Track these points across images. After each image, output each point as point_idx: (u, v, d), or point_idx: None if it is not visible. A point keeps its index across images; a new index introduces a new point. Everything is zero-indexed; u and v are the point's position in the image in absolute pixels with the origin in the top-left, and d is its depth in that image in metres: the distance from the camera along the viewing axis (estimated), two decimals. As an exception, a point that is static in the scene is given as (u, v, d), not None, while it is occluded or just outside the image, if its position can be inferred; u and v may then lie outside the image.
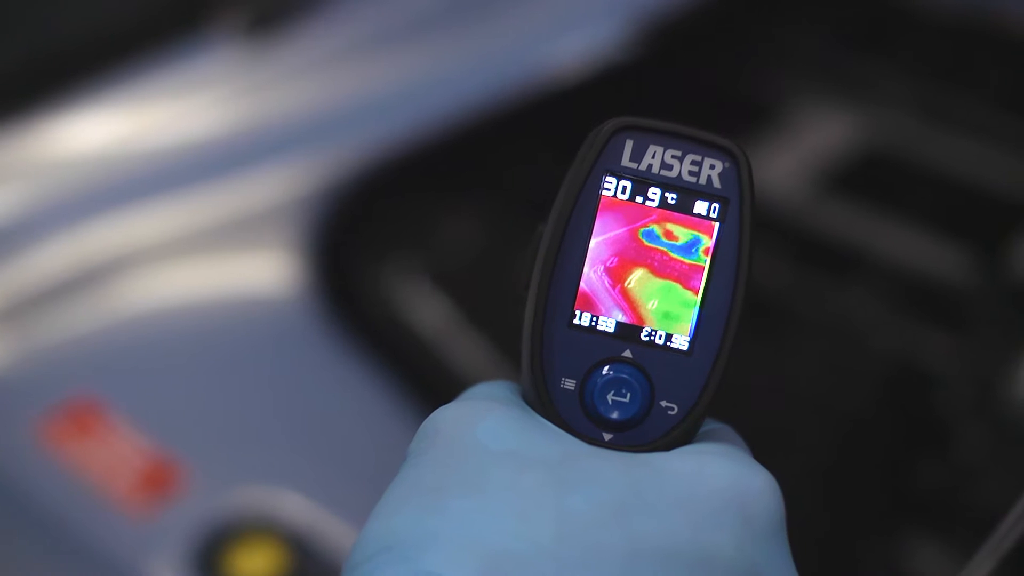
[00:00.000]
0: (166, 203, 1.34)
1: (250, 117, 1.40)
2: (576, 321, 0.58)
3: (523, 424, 0.55)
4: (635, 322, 0.58)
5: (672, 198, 0.58)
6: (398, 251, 1.35)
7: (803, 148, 1.46)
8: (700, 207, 0.58)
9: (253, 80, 1.44)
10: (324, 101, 1.40)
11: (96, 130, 1.43)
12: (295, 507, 1.14)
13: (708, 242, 0.58)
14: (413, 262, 1.34)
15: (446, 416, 0.56)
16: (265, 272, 1.30)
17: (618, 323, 0.58)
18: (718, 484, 0.53)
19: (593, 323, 0.58)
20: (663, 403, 0.58)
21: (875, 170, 1.45)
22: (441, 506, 0.52)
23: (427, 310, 1.31)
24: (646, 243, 0.58)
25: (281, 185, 1.34)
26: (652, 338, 0.58)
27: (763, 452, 0.60)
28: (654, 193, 0.58)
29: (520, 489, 0.52)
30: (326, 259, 1.31)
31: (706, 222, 0.58)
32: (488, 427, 0.55)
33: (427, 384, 1.24)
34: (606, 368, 0.58)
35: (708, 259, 0.58)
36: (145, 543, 1.14)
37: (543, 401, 0.58)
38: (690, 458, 0.54)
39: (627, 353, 0.58)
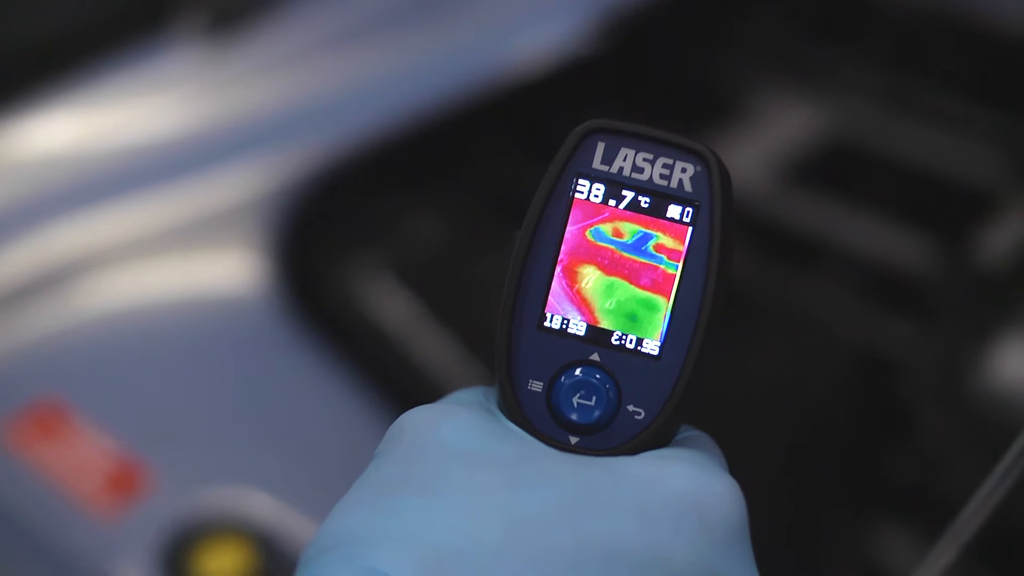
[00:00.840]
0: (128, 203, 1.34)
1: (212, 116, 1.40)
2: (546, 324, 0.58)
3: (486, 426, 0.56)
4: (594, 325, 0.58)
5: (645, 202, 0.58)
6: (362, 248, 1.35)
7: (766, 139, 1.46)
8: (673, 211, 0.57)
9: (215, 79, 1.44)
10: (286, 99, 1.40)
11: (58, 130, 1.42)
12: (261, 506, 1.14)
13: (679, 247, 0.57)
14: (377, 258, 1.34)
15: (412, 418, 0.56)
16: (229, 271, 1.30)
17: (588, 326, 0.58)
18: (676, 489, 0.53)
19: (564, 326, 0.58)
20: (630, 407, 0.57)
21: (838, 160, 1.45)
22: (392, 504, 0.52)
23: (392, 306, 1.31)
24: (614, 248, 0.58)
25: (244, 183, 1.33)
26: (622, 342, 0.57)
27: (728, 443, 0.60)
28: (627, 196, 0.58)
29: (472, 488, 0.52)
30: (290, 257, 1.31)
31: (679, 226, 0.57)
32: (451, 429, 0.55)
33: (392, 381, 1.24)
34: (573, 371, 0.57)
35: (680, 264, 0.57)
36: (111, 544, 1.14)
37: (509, 403, 0.58)
38: (650, 462, 0.54)
39: (595, 356, 0.57)
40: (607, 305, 0.58)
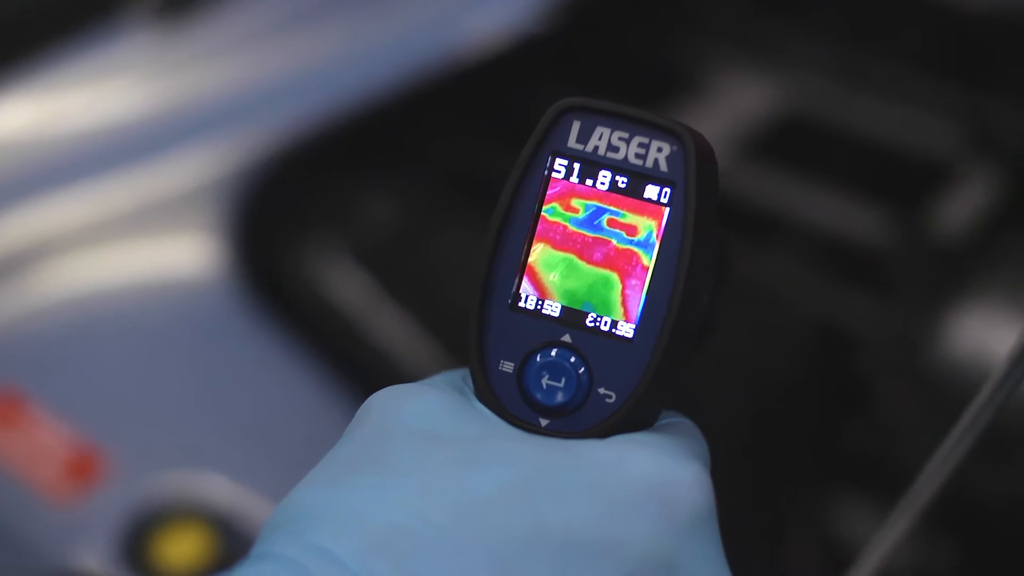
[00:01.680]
0: (82, 189, 1.33)
1: (166, 100, 1.39)
2: (521, 304, 0.57)
3: (452, 407, 0.55)
4: (568, 306, 0.57)
5: (623, 181, 0.57)
6: (319, 230, 1.34)
7: (721, 115, 1.46)
8: (651, 191, 0.56)
9: (168, 63, 1.43)
10: (240, 81, 1.39)
11: (10, 117, 1.42)
12: (221, 490, 1.13)
13: (655, 228, 0.56)
14: (334, 240, 1.34)
15: (379, 398, 0.56)
16: (185, 255, 1.29)
17: (563, 307, 0.57)
18: (638, 474, 0.52)
19: (538, 306, 0.57)
20: (601, 390, 0.56)
21: (794, 134, 1.45)
22: (345, 482, 0.52)
23: (349, 288, 1.31)
24: (585, 230, 0.57)
25: (199, 167, 1.33)
26: (597, 324, 0.56)
27: (687, 417, 0.60)
28: (604, 176, 0.57)
29: (425, 468, 0.52)
30: (246, 240, 1.30)
31: (656, 207, 0.56)
32: (415, 408, 0.55)
33: (351, 362, 1.24)
34: (544, 352, 0.57)
35: (656, 246, 0.56)
36: (70, 531, 1.13)
37: (479, 384, 0.57)
38: (614, 446, 0.54)
39: (566, 337, 0.57)
40: (571, 285, 0.57)
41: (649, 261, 0.56)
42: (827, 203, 1.37)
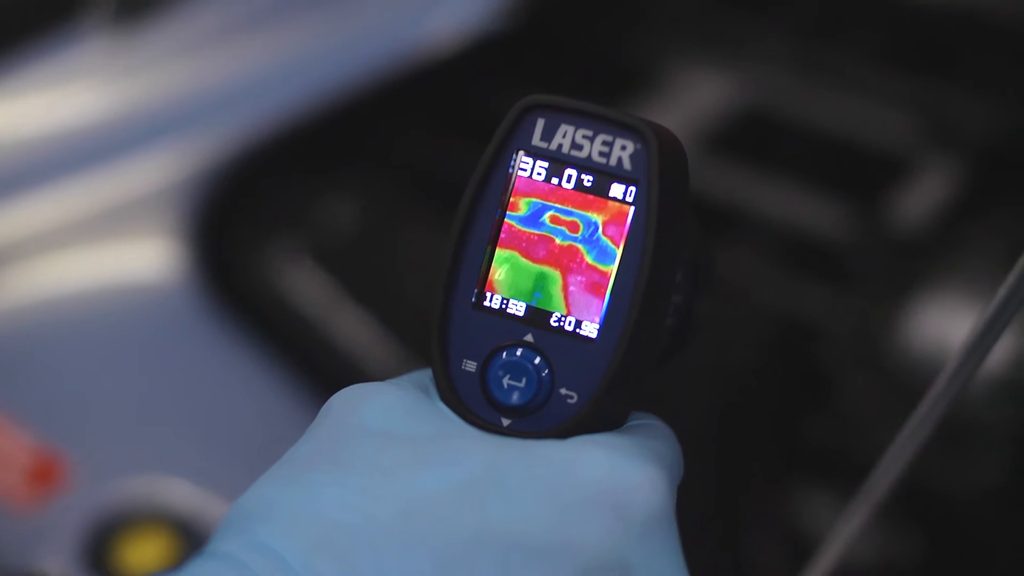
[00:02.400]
0: (41, 194, 1.32)
1: (123, 104, 1.38)
2: (486, 303, 0.57)
3: (412, 406, 0.55)
4: (530, 305, 0.57)
5: (588, 180, 0.56)
6: (278, 231, 1.34)
7: (681, 110, 1.46)
8: (616, 190, 0.56)
9: (125, 66, 1.42)
10: (197, 84, 1.39)
11: (-32, 123, 1.41)
12: (182, 494, 1.13)
13: (619, 227, 0.56)
14: (294, 241, 1.33)
15: (339, 397, 0.56)
16: (145, 259, 1.29)
17: (528, 306, 0.56)
18: (592, 475, 0.52)
19: (503, 305, 0.57)
20: (563, 390, 0.56)
21: (754, 128, 1.45)
22: (297, 480, 0.52)
23: (310, 289, 1.30)
24: (546, 232, 0.57)
25: (157, 171, 1.32)
26: (561, 324, 0.56)
27: (650, 411, 0.60)
28: (570, 174, 0.56)
29: (376, 466, 0.52)
30: (206, 243, 1.30)
31: (622, 205, 0.56)
32: (373, 407, 0.54)
33: (312, 364, 1.24)
34: (507, 352, 0.56)
35: (621, 244, 0.55)
36: (33, 537, 1.13)
37: (440, 383, 0.57)
38: (571, 447, 0.53)
39: (529, 337, 0.56)
40: (518, 283, 0.57)
41: (591, 257, 0.56)
42: (787, 197, 1.37)
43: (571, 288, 0.56)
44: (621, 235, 0.56)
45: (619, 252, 0.55)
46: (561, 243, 0.56)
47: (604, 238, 0.56)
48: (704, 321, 0.70)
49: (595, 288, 0.56)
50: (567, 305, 0.56)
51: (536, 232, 0.57)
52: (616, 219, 0.56)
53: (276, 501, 0.51)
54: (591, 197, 0.56)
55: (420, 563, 0.49)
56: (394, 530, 0.50)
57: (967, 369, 0.66)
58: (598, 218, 0.56)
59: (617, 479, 0.52)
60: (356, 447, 0.53)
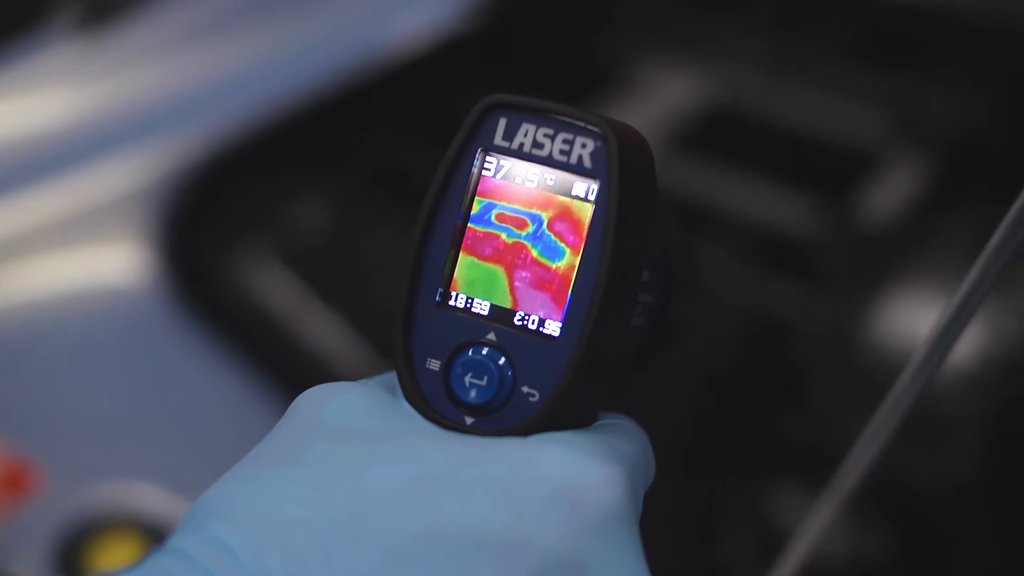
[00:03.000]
0: (9, 200, 1.32)
1: (91, 108, 1.38)
2: (450, 302, 0.57)
3: (375, 405, 0.55)
4: (496, 304, 0.56)
5: (551, 179, 0.56)
6: (247, 234, 1.34)
7: (650, 108, 1.46)
8: (578, 188, 0.55)
9: (91, 71, 1.42)
10: (165, 88, 1.39)
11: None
12: (154, 499, 1.13)
13: (567, 222, 0.56)
14: (263, 244, 1.33)
15: (305, 395, 0.56)
16: (114, 263, 1.28)
17: (492, 305, 0.56)
18: (548, 472, 0.52)
19: (468, 304, 0.57)
20: (525, 388, 0.55)
21: (723, 126, 1.46)
22: (255, 476, 0.52)
23: (279, 291, 1.30)
24: (477, 224, 0.57)
25: (126, 175, 1.32)
26: (525, 322, 0.56)
27: (621, 411, 0.60)
28: (533, 173, 0.56)
29: (330, 461, 0.52)
30: (175, 247, 1.29)
31: (583, 203, 0.55)
32: (336, 406, 0.54)
33: (282, 366, 1.24)
34: (469, 350, 0.56)
35: (583, 242, 0.55)
36: (5, 544, 1.12)
37: (403, 381, 0.56)
38: (529, 444, 0.53)
39: (491, 336, 0.56)
40: (472, 281, 0.57)
41: (537, 252, 0.56)
42: (756, 194, 1.37)
43: (516, 284, 0.56)
44: (570, 231, 0.56)
45: (580, 250, 0.55)
46: (507, 240, 0.56)
47: (550, 233, 0.56)
48: (682, 322, 0.69)
49: (543, 284, 0.56)
50: (514, 301, 0.56)
51: (487, 230, 0.57)
52: (563, 215, 0.56)
53: (232, 498, 0.51)
54: (540, 194, 0.56)
55: (370, 558, 0.49)
56: (345, 525, 0.50)
57: (932, 362, 0.66)
58: (544, 214, 0.56)
59: (573, 477, 0.52)
60: (313, 444, 0.53)
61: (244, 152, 1.34)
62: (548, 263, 0.56)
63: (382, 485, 0.51)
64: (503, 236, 0.57)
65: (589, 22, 1.54)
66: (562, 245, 0.56)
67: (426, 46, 1.38)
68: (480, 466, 0.52)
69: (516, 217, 0.57)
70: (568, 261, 0.56)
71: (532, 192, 0.56)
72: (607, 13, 1.54)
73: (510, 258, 0.56)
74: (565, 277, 0.56)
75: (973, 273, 0.63)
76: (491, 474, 0.51)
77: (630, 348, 0.61)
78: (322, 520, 0.50)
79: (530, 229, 0.56)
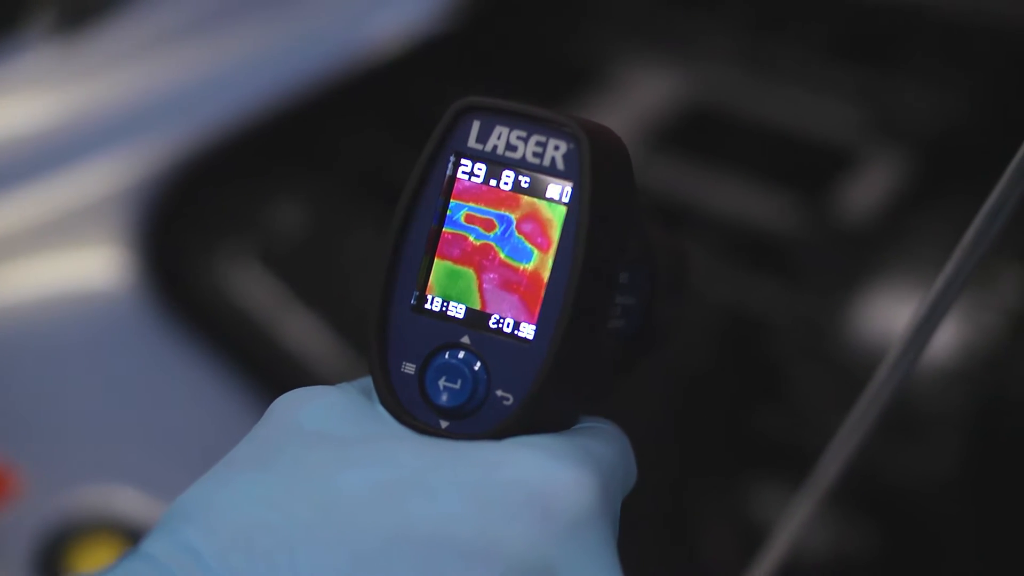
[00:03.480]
0: (-12, 204, 1.32)
1: (68, 112, 1.38)
2: (426, 305, 0.56)
3: (350, 408, 0.55)
4: (474, 308, 0.56)
5: (525, 181, 0.56)
6: (226, 236, 1.34)
7: (627, 108, 1.46)
8: (552, 191, 0.55)
9: (68, 75, 1.42)
10: (142, 90, 1.38)
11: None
12: (134, 502, 1.13)
13: (536, 223, 0.55)
14: (242, 246, 1.33)
15: (283, 399, 0.56)
16: (93, 267, 1.28)
17: (468, 309, 0.56)
18: (517, 475, 0.51)
19: (443, 308, 0.56)
20: (499, 392, 0.55)
21: (699, 124, 1.46)
22: (227, 479, 0.52)
23: (258, 293, 1.30)
24: (449, 227, 0.56)
25: (104, 179, 1.32)
26: (500, 326, 0.55)
27: (603, 409, 0.59)
28: (508, 176, 0.56)
29: (303, 464, 0.52)
30: (154, 249, 1.29)
31: (557, 206, 0.55)
32: (312, 409, 0.54)
33: (262, 368, 1.24)
34: (444, 354, 0.56)
35: (555, 246, 0.55)
36: (-15, 549, 1.12)
37: (378, 385, 0.56)
38: (500, 448, 0.53)
39: (465, 339, 0.56)
40: (444, 283, 0.56)
41: (505, 254, 0.56)
42: (734, 192, 1.37)
43: (485, 286, 0.56)
44: (539, 232, 0.55)
45: (550, 251, 0.55)
46: (475, 242, 0.56)
47: (519, 236, 0.56)
48: (669, 325, 0.69)
49: (510, 286, 0.56)
50: (483, 303, 0.56)
51: (458, 232, 0.57)
52: (532, 216, 0.56)
53: (202, 500, 0.51)
54: (511, 196, 0.56)
55: (336, 561, 0.49)
56: (312, 528, 0.49)
57: (909, 357, 0.66)
58: (513, 215, 0.56)
59: (543, 480, 0.51)
60: (286, 447, 0.53)
61: (222, 154, 1.33)
62: (516, 264, 0.56)
63: (352, 488, 0.50)
64: (471, 238, 0.56)
65: (567, 21, 1.54)
66: (531, 247, 0.55)
67: (403, 47, 1.38)
68: (450, 469, 0.51)
69: (486, 219, 0.56)
70: (537, 263, 0.55)
71: (504, 194, 0.56)
72: (584, 12, 1.54)
73: (478, 259, 0.56)
74: (534, 279, 0.55)
75: (949, 267, 0.63)
76: (461, 477, 0.51)
77: (610, 351, 0.60)
78: (290, 523, 0.50)
79: (498, 230, 0.56)
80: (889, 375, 0.67)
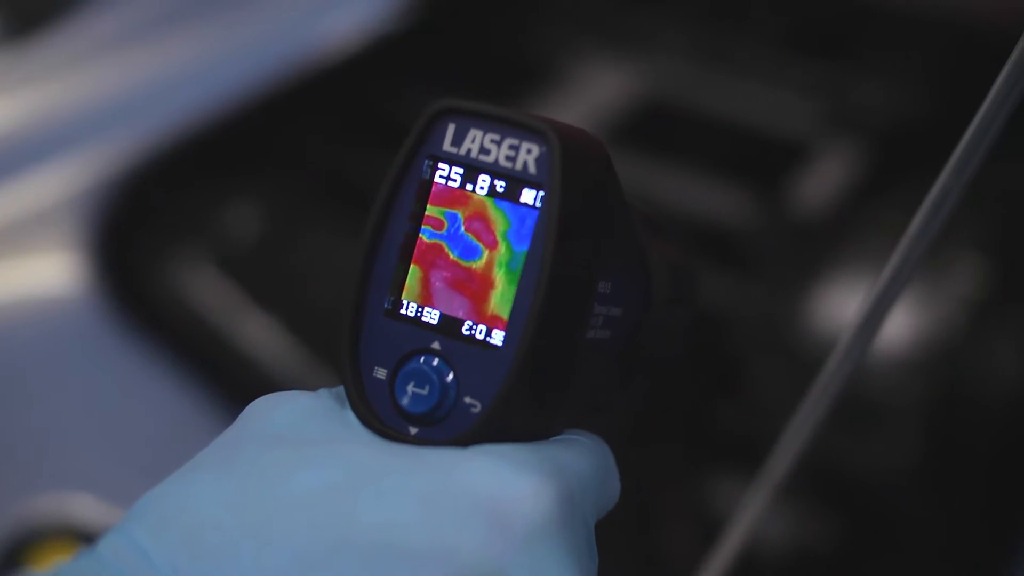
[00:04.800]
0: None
1: (17, 118, 1.37)
2: (401, 311, 0.56)
3: (319, 413, 0.55)
4: (445, 313, 0.55)
5: (501, 186, 0.55)
6: (181, 240, 1.33)
7: (582, 104, 1.46)
8: (527, 195, 0.54)
9: (17, 79, 1.41)
10: (93, 95, 1.38)
11: None
12: (92, 509, 1.12)
13: (482, 221, 0.55)
14: (197, 250, 1.32)
15: (256, 403, 0.56)
16: (47, 274, 1.27)
17: (442, 314, 0.55)
18: (472, 482, 0.51)
19: (418, 313, 0.56)
20: (467, 399, 0.54)
21: (654, 119, 1.46)
22: (183, 480, 0.52)
23: (215, 297, 1.29)
24: (443, 243, 0.56)
25: (56, 185, 1.31)
26: (472, 332, 0.55)
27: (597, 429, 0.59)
28: (484, 180, 0.55)
29: (259, 465, 0.51)
30: (109, 255, 1.28)
31: (530, 210, 0.54)
32: (280, 414, 0.54)
33: (219, 372, 1.23)
34: (414, 359, 0.55)
35: (526, 251, 0.54)
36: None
37: (348, 390, 0.56)
38: (459, 454, 0.52)
39: (436, 345, 0.55)
40: (410, 284, 0.56)
41: (455, 254, 0.55)
42: (690, 186, 1.37)
43: (435, 284, 0.56)
44: (484, 230, 0.55)
45: (523, 258, 0.54)
46: (428, 241, 0.56)
47: (467, 234, 0.55)
48: (676, 341, 0.68)
49: (459, 285, 0.55)
50: (432, 301, 0.55)
51: (432, 240, 0.56)
52: (478, 214, 0.55)
53: (157, 501, 0.51)
54: (483, 201, 0.55)
55: (281, 561, 0.49)
56: (259, 528, 0.49)
57: (860, 346, 0.66)
58: (460, 213, 0.55)
59: (498, 488, 0.51)
60: (246, 449, 0.53)
61: (175, 158, 1.33)
62: (461, 262, 0.55)
63: (303, 489, 0.50)
64: (424, 238, 0.56)
65: (521, 18, 1.54)
66: (476, 242, 0.55)
67: (356, 47, 1.38)
68: (403, 474, 0.51)
69: (435, 218, 0.56)
70: (486, 261, 0.55)
71: (479, 200, 0.55)
72: (539, 8, 1.54)
73: (430, 257, 0.56)
74: (469, 275, 0.55)
75: (896, 257, 0.63)
76: (414, 483, 0.51)
77: (595, 364, 0.58)
78: (238, 523, 0.49)
79: (446, 228, 0.56)
80: (839, 365, 0.67)
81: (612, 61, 1.50)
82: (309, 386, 0.59)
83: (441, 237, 0.56)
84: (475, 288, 0.55)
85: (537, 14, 1.54)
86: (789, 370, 1.22)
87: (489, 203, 0.55)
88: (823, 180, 1.34)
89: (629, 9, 1.52)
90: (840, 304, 1.21)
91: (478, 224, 0.55)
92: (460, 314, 0.55)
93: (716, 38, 1.48)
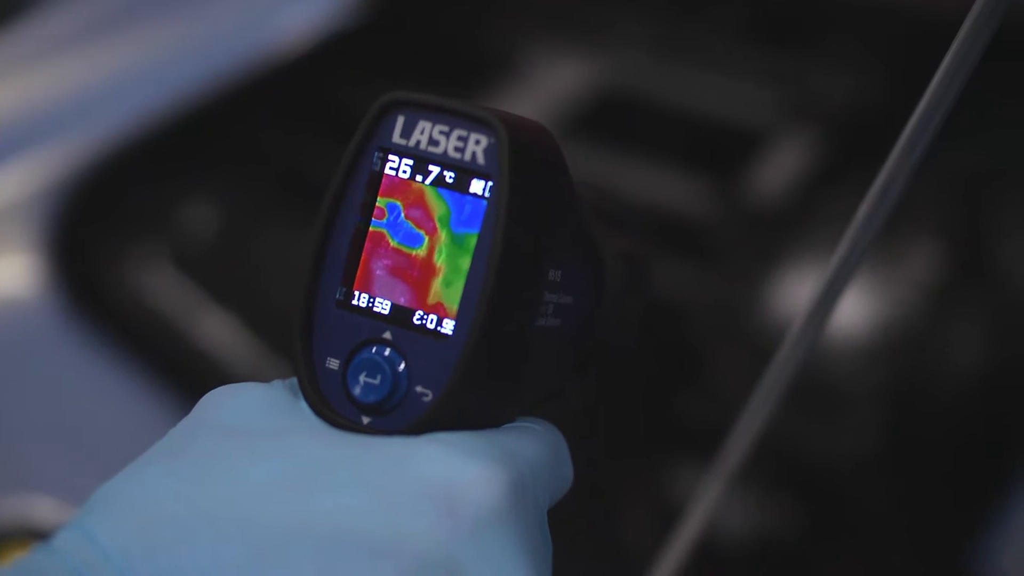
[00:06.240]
0: None
1: (-28, 117, 1.36)
2: (353, 301, 0.57)
3: (272, 404, 0.55)
4: (396, 303, 0.56)
5: (450, 177, 0.56)
6: (137, 238, 1.33)
7: (538, 95, 1.46)
8: (476, 186, 0.55)
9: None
10: (48, 94, 1.37)
11: None
12: (52, 511, 1.12)
13: (421, 209, 0.56)
14: (154, 248, 1.32)
15: (209, 395, 0.56)
16: (3, 273, 1.27)
17: (393, 305, 0.56)
18: (423, 470, 0.51)
19: (370, 303, 0.56)
20: (418, 388, 0.55)
21: (611, 110, 1.46)
22: (136, 472, 0.52)
23: (173, 295, 1.29)
24: (388, 234, 0.56)
25: (11, 184, 1.30)
26: (423, 322, 0.55)
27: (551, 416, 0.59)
28: (432, 170, 0.56)
29: (211, 457, 0.52)
30: (66, 255, 1.28)
31: (478, 201, 0.55)
32: (233, 405, 0.55)
33: (178, 370, 1.23)
34: (366, 349, 0.56)
35: (475, 240, 0.55)
36: (-99, 564, 1.11)
37: (301, 380, 0.56)
38: (410, 443, 0.53)
39: (387, 334, 0.56)
40: (391, 283, 0.56)
41: (396, 241, 0.56)
42: (647, 176, 1.38)
43: (376, 272, 0.56)
44: (423, 217, 0.56)
45: (474, 248, 0.55)
46: (373, 229, 0.57)
47: (407, 221, 0.56)
48: (629, 328, 0.68)
49: (400, 272, 0.56)
50: (374, 289, 0.56)
51: (379, 230, 0.57)
52: (417, 202, 0.56)
53: (111, 494, 0.51)
54: (452, 194, 0.56)
55: (234, 552, 0.49)
56: (213, 519, 0.50)
57: (812, 331, 0.66)
58: (399, 202, 0.56)
59: (449, 476, 0.51)
60: (199, 441, 0.53)
61: (131, 156, 1.32)
62: (403, 249, 0.56)
63: (256, 480, 0.51)
64: (372, 228, 0.57)
65: (477, 10, 1.54)
66: (417, 230, 0.56)
67: (310, 43, 1.38)
68: (356, 464, 0.51)
69: (379, 208, 0.57)
70: (426, 248, 0.56)
71: (417, 187, 0.56)
72: (495, 1, 1.54)
73: (370, 246, 0.57)
74: (411, 262, 0.56)
75: (845, 242, 0.63)
76: (366, 472, 0.51)
77: (547, 351, 0.59)
78: (192, 514, 0.50)
79: (387, 217, 0.56)
80: (792, 350, 0.67)
81: (570, 52, 1.50)
82: (267, 381, 0.59)
83: (383, 225, 0.56)
84: (416, 275, 0.56)
85: (495, 6, 1.54)
86: (747, 357, 1.22)
87: (429, 191, 0.56)
88: (780, 168, 1.35)
89: (585, 1, 1.52)
90: (798, 292, 1.22)
91: (417, 212, 0.56)
92: (403, 301, 0.56)
93: (675, 28, 1.48)
